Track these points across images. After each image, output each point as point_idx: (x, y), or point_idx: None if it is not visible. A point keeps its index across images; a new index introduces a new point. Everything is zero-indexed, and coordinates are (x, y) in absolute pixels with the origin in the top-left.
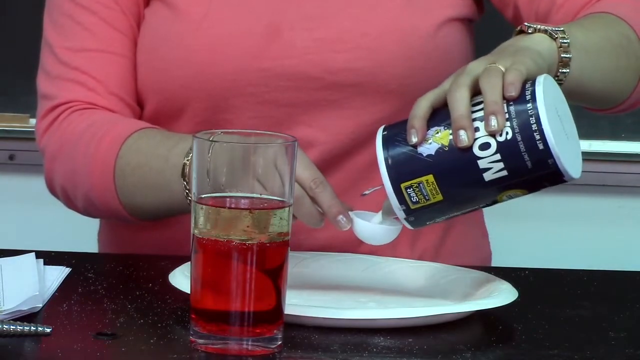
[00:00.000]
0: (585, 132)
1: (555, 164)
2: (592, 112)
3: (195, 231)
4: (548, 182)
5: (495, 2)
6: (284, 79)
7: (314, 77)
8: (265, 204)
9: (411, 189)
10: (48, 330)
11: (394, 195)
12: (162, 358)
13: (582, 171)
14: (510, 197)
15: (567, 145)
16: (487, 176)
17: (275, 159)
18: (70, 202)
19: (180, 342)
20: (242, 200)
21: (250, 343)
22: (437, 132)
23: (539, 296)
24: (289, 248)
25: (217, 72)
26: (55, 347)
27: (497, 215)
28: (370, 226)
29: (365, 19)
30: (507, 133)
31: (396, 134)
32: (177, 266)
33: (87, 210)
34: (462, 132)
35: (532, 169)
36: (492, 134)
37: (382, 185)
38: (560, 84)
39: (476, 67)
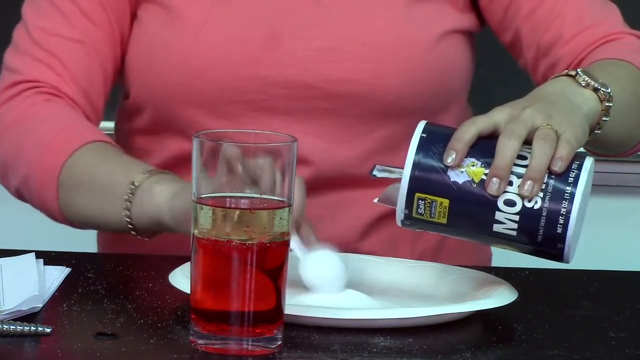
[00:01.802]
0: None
1: (562, 249)
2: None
3: (195, 231)
4: (544, 256)
5: (493, 25)
6: (281, 87)
7: (312, 86)
8: (265, 204)
9: (422, 202)
10: (48, 330)
11: (404, 198)
12: (162, 358)
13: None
14: (502, 248)
15: (577, 231)
16: (496, 228)
17: (275, 159)
18: (4, 179)
19: (180, 342)
20: (242, 200)
21: (250, 343)
22: (473, 165)
23: (539, 296)
24: (289, 248)
25: (215, 78)
26: (55, 347)
27: None
28: (315, 274)
29: (365, 30)
30: (536, 202)
31: (434, 142)
32: (177, 266)
33: (19, 192)
34: (496, 181)
35: (539, 242)
36: (522, 197)
37: (399, 180)
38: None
39: (533, 117)
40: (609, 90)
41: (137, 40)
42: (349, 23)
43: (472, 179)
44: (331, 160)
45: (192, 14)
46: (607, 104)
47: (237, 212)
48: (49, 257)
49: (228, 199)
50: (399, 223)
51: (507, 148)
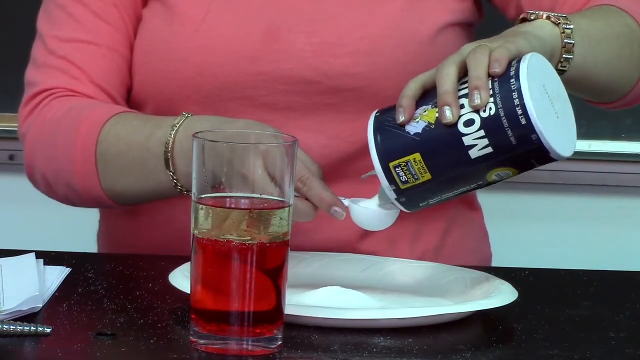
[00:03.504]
0: (585, 132)
1: (539, 140)
2: (594, 107)
3: (195, 231)
4: (535, 159)
5: (498, 3)
6: (281, 83)
7: (312, 81)
8: (265, 204)
9: (399, 168)
10: (48, 330)
11: (383, 175)
12: (162, 358)
13: (582, 171)
14: (501, 177)
15: (555, 122)
16: (473, 153)
17: (275, 159)
18: (50, 190)
19: (180, 342)
20: (242, 200)
21: (250, 343)
22: (425, 111)
23: (539, 296)
24: (289, 248)
25: (214, 74)
26: (55, 347)
27: (497, 215)
28: (367, 212)
29: (364, 23)
30: (490, 109)
31: (386, 115)
32: (177, 266)
33: (68, 197)
34: (446, 108)
35: (516, 145)
36: (476, 110)
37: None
38: (563, 71)
39: (467, 47)
40: (563, 15)
41: (140, 38)
42: (347, 17)
43: (429, 123)
44: (332, 156)
45: (191, 11)
46: (564, 26)
47: (237, 212)
48: (49, 257)
49: (228, 199)
50: (399, 206)
51: (443, 76)
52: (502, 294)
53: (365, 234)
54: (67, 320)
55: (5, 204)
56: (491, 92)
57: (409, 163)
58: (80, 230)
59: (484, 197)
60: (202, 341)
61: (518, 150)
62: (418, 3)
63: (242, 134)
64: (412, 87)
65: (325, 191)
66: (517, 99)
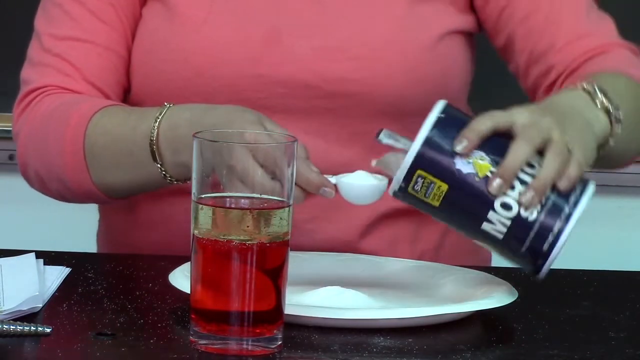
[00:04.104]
0: None
1: (541, 265)
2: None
3: (195, 231)
4: (520, 264)
5: (487, 27)
6: (281, 86)
7: (311, 86)
8: (265, 204)
9: (422, 180)
10: (48, 330)
11: (405, 171)
12: (162, 358)
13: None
14: (484, 246)
15: (560, 252)
16: (485, 226)
17: (275, 159)
18: (43, 186)
19: (180, 342)
20: (242, 200)
21: (250, 343)
22: (482, 159)
23: (539, 296)
24: (289, 248)
25: (214, 75)
26: (55, 347)
27: None
28: (356, 187)
29: (365, 29)
30: (532, 213)
31: (449, 125)
32: (177, 266)
33: (61, 193)
34: (499, 181)
35: (522, 253)
36: (520, 204)
37: (403, 150)
38: None
39: (551, 128)
40: (620, 115)
41: (139, 38)
42: (349, 22)
43: (477, 172)
44: (331, 160)
45: (192, 12)
46: (616, 126)
47: (237, 212)
48: (49, 257)
49: (228, 199)
50: (390, 193)
51: (519, 152)
52: (502, 294)
53: (365, 234)
54: (67, 320)
55: (5, 204)
56: (544, 200)
57: (432, 184)
58: (80, 230)
59: None
60: (202, 341)
61: (517, 256)
62: (420, 10)
63: (242, 134)
64: (486, 126)
65: (311, 173)
66: (558, 228)
